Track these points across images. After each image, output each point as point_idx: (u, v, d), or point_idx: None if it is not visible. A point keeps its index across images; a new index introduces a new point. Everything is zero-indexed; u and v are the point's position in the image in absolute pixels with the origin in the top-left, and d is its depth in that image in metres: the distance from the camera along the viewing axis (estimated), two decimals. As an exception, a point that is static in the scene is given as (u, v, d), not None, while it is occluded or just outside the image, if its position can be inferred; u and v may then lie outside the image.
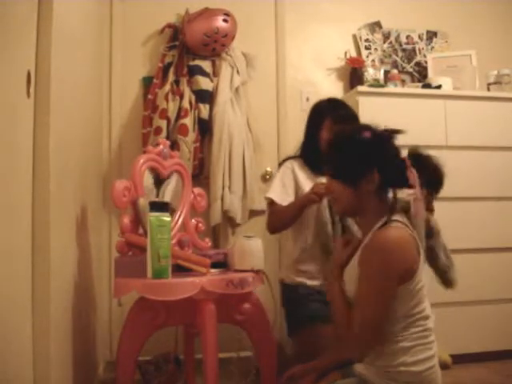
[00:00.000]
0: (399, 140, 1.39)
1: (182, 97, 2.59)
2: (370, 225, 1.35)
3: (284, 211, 2.03)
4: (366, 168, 1.33)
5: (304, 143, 2.18)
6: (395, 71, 2.94)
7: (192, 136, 2.56)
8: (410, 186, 1.34)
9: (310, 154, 2.10)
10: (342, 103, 2.17)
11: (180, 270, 1.57)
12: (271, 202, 2.09)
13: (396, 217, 1.32)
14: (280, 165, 2.23)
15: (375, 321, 1.25)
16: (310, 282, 2.01)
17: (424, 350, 1.27)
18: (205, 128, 2.64)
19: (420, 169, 1.36)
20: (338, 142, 1.43)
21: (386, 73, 2.94)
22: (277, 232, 2.21)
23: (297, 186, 2.09)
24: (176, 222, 1.85)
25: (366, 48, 3.03)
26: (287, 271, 2.12)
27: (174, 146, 2.47)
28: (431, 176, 1.39)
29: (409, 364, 1.25)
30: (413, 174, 1.33)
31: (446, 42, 3.13)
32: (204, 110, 2.63)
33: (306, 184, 2.05)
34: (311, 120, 2.17)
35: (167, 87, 2.59)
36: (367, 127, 1.38)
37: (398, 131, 1.38)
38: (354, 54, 3.02)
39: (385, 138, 1.37)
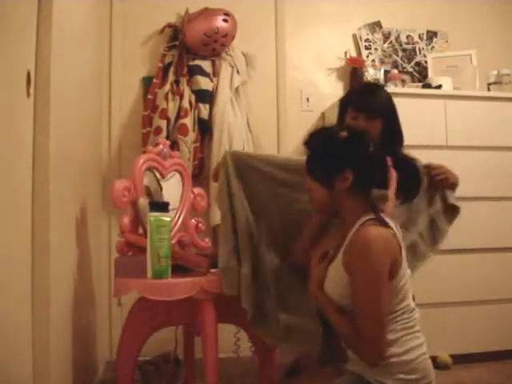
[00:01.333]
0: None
1: (181, 97, 2.59)
2: (348, 225, 1.34)
3: None
4: (338, 167, 1.33)
5: None
6: (395, 71, 2.94)
7: (192, 136, 2.56)
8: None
9: None
10: (369, 88, 2.01)
11: (180, 270, 1.57)
12: None
13: (371, 215, 1.31)
14: None
15: (384, 322, 1.24)
16: None
17: (413, 339, 1.28)
18: (205, 128, 2.64)
19: (401, 171, 1.38)
20: (312, 140, 1.44)
21: (386, 73, 2.94)
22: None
23: None
24: (176, 222, 1.85)
25: (366, 48, 3.03)
26: None
27: (174, 146, 2.47)
28: (408, 181, 1.44)
29: (400, 354, 1.25)
30: (391, 174, 1.36)
31: (446, 42, 3.13)
32: (204, 109, 2.63)
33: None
34: (338, 110, 2.02)
35: (167, 87, 2.59)
36: (345, 127, 1.43)
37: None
38: (354, 53, 3.02)
39: (361, 137, 1.38)
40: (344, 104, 1.97)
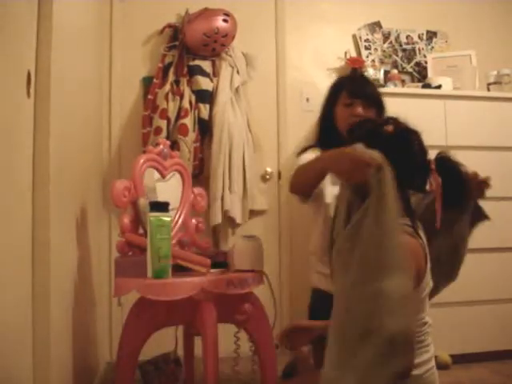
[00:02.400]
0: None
1: (182, 97, 2.59)
2: None
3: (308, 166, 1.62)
4: None
5: (319, 126, 1.98)
6: (395, 71, 2.94)
7: (192, 136, 2.56)
8: (430, 191, 1.27)
9: (327, 140, 1.85)
10: (362, 77, 1.97)
11: (180, 269, 1.57)
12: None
13: (407, 221, 1.23)
14: (299, 154, 2.00)
15: None
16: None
17: (423, 353, 1.25)
18: (205, 128, 2.64)
19: (443, 176, 1.28)
20: (356, 131, 1.35)
21: (386, 73, 2.94)
22: (295, 191, 1.84)
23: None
24: (176, 222, 1.85)
25: (366, 48, 3.03)
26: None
27: (174, 145, 2.47)
28: (454, 187, 1.29)
29: None
30: (436, 181, 1.25)
31: (446, 42, 3.13)
32: (204, 109, 2.63)
33: (328, 180, 1.75)
34: (327, 96, 1.93)
35: (167, 87, 2.59)
36: (392, 121, 1.30)
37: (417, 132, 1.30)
38: (354, 54, 3.02)
39: (408, 135, 1.29)
40: (336, 90, 1.91)
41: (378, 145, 1.22)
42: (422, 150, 1.31)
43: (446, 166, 1.32)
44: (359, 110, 1.85)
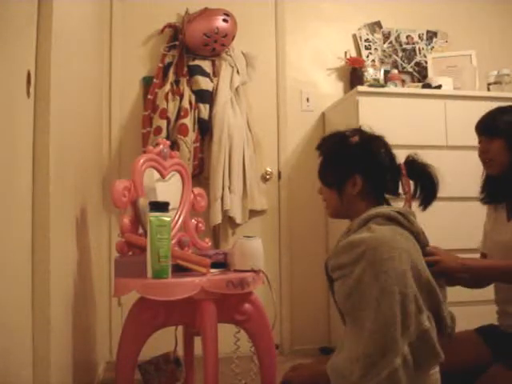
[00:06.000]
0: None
1: (181, 97, 2.59)
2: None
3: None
4: (347, 172, 1.31)
5: None
6: (395, 71, 2.94)
7: (192, 136, 2.56)
8: (403, 194, 1.32)
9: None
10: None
11: (180, 270, 1.57)
12: None
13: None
14: None
15: None
16: None
17: None
18: (205, 128, 2.64)
19: (415, 177, 1.33)
20: (323, 144, 1.41)
21: (386, 73, 2.94)
22: None
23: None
24: (176, 222, 1.85)
25: (366, 48, 3.03)
26: None
27: (174, 146, 2.47)
28: (425, 187, 1.34)
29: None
30: (407, 183, 1.32)
31: (446, 42, 3.13)
32: (204, 109, 2.63)
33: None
34: None
35: (167, 87, 2.59)
36: (357, 131, 1.36)
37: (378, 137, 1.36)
38: (354, 53, 3.02)
39: (373, 141, 1.35)
40: None
41: (344, 154, 1.33)
42: (389, 153, 1.35)
43: (416, 168, 1.36)
44: None
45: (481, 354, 1.50)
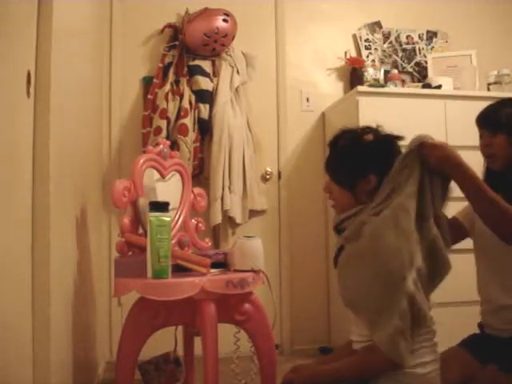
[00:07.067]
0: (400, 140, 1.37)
1: (181, 97, 2.59)
2: None
3: None
4: (361, 171, 1.31)
5: None
6: (395, 71, 2.94)
7: (192, 136, 2.56)
8: None
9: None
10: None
11: (180, 270, 1.57)
12: None
13: None
14: None
15: None
16: None
17: (429, 353, 1.25)
18: (205, 128, 2.64)
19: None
20: (337, 141, 1.39)
21: (386, 73, 2.94)
22: None
23: None
24: (176, 222, 1.85)
25: (366, 48, 3.03)
26: None
27: (174, 145, 2.47)
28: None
29: (414, 366, 1.21)
30: None
31: (446, 42, 3.13)
32: (204, 109, 2.63)
33: None
34: None
35: (167, 87, 2.59)
36: (370, 130, 1.35)
37: (399, 137, 1.35)
38: (354, 53, 3.02)
39: (387, 141, 1.34)
40: None
41: (361, 154, 1.32)
42: (399, 151, 1.35)
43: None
44: None
45: (469, 368, 1.48)
